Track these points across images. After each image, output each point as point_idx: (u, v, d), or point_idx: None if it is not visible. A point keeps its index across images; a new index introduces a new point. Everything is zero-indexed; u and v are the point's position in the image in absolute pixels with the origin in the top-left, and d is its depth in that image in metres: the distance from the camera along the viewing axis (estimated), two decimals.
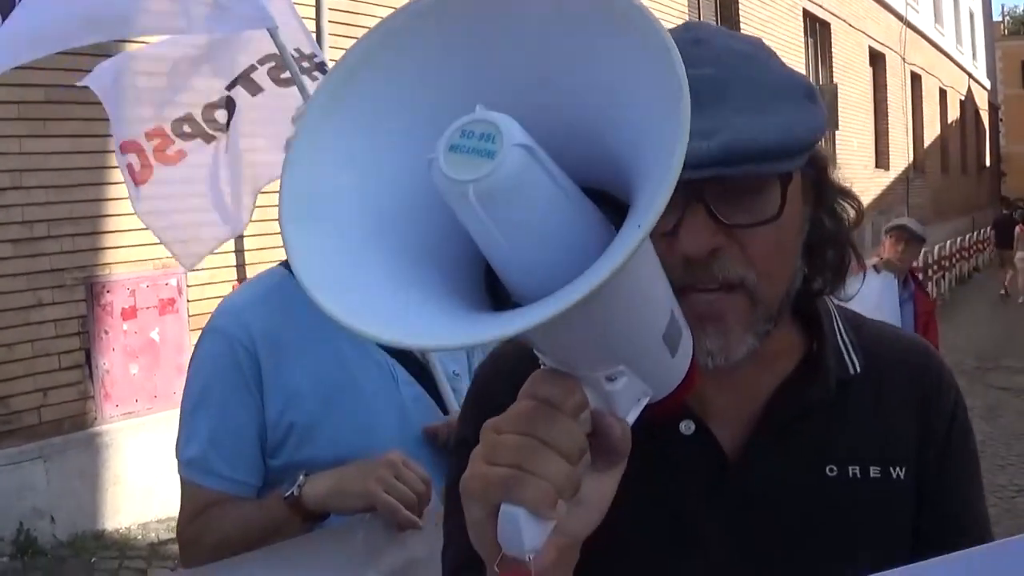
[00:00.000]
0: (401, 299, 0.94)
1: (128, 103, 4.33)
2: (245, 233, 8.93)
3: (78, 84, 4.38)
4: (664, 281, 1.13)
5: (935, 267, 22.71)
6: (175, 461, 2.52)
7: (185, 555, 2.60)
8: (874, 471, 1.44)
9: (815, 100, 1.38)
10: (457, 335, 0.93)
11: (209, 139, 4.35)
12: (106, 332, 8.23)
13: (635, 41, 0.90)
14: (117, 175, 7.73)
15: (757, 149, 1.26)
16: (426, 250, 0.99)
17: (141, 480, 7.86)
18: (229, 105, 4.36)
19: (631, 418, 1.12)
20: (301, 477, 2.32)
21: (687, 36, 1.34)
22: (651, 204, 0.85)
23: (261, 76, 4.38)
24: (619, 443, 1.09)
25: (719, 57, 1.32)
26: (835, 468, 1.44)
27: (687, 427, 1.43)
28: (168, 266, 8.60)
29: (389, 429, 2.47)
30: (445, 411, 2.60)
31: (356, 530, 2.26)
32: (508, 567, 1.02)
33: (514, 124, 0.89)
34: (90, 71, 4.22)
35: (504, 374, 1.38)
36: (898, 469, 1.45)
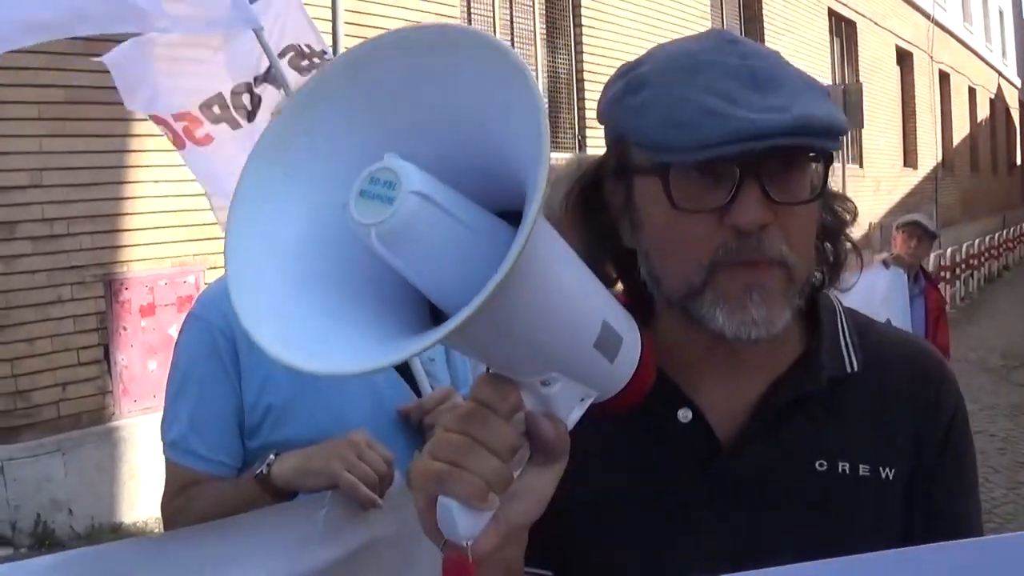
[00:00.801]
0: (335, 331, 1.04)
1: (149, 82, 4.37)
2: None
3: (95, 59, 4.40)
4: (595, 292, 1.20)
5: (963, 265, 22.53)
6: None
7: (167, 529, 2.68)
8: (864, 469, 1.48)
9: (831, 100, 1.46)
10: (363, 361, 1.01)
11: (235, 125, 4.38)
12: (124, 328, 8.31)
13: (505, 81, 1.00)
14: (136, 174, 7.87)
15: (823, 125, 1.33)
16: (366, 283, 1.09)
17: (157, 474, 7.53)
18: (253, 92, 4.40)
19: (572, 418, 1.21)
20: (271, 456, 2.41)
21: (721, 38, 1.44)
22: (522, 231, 0.94)
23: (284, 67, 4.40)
24: (553, 442, 1.18)
25: (759, 54, 1.41)
26: (825, 463, 1.47)
27: (684, 415, 1.49)
28: (186, 264, 8.71)
29: (362, 411, 2.54)
30: (419, 394, 2.68)
31: (319, 507, 2.32)
32: (450, 550, 1.13)
33: (412, 171, 0.99)
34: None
35: None
36: (888, 470, 1.48)
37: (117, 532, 7.91)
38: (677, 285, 1.40)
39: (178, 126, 4.30)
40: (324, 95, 1.09)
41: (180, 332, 2.66)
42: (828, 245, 1.53)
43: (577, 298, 1.15)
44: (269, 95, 4.29)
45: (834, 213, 1.54)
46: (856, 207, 1.60)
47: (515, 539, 1.21)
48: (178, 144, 4.34)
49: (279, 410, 2.53)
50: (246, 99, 4.36)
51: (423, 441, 2.55)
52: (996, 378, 13.95)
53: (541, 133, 0.96)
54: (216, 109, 4.33)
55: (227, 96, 4.32)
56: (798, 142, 1.33)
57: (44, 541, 7.49)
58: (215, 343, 2.54)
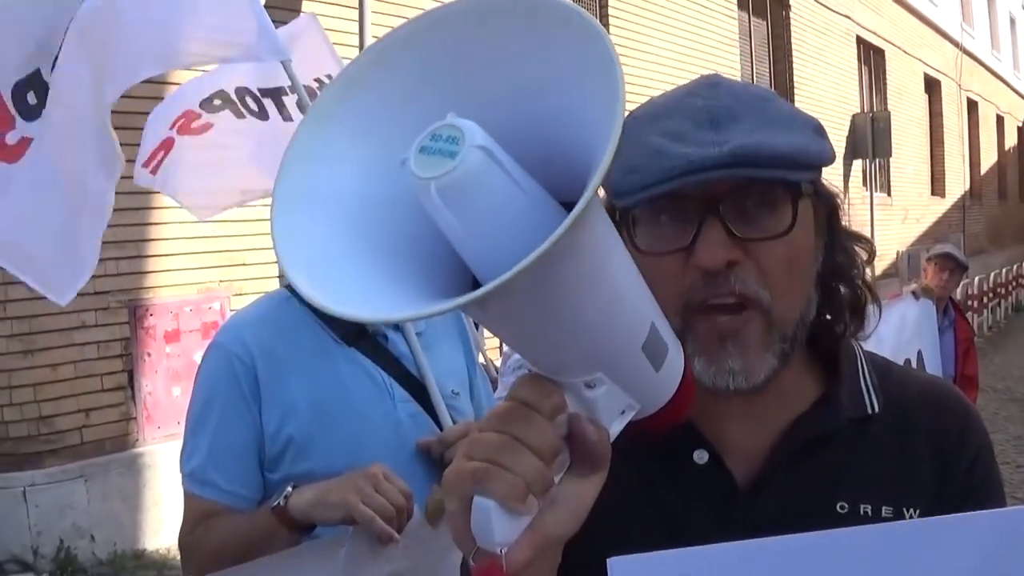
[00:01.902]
0: (369, 284, 1.00)
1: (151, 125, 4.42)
2: None
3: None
4: (645, 295, 1.16)
5: (991, 294, 22.46)
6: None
7: (184, 562, 2.68)
8: (887, 510, 1.45)
9: (823, 136, 1.45)
10: (400, 311, 1.00)
11: (240, 115, 4.40)
12: (149, 355, 8.31)
13: (587, 52, 0.97)
14: (162, 199, 7.86)
15: (765, 155, 1.32)
16: (410, 247, 1.05)
17: (181, 501, 7.71)
18: (259, 100, 4.41)
19: (614, 429, 1.15)
20: (289, 488, 2.38)
21: (705, 82, 1.46)
22: (584, 196, 0.91)
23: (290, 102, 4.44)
24: (596, 448, 1.11)
25: (735, 94, 1.41)
26: (846, 505, 1.45)
27: (700, 456, 1.47)
28: (212, 290, 8.71)
29: (383, 445, 2.52)
30: (441, 428, 2.64)
31: (340, 544, 2.30)
32: (482, 560, 1.05)
33: (477, 129, 0.96)
34: (135, 97, 4.29)
35: None
36: (913, 511, 1.45)
37: (139, 559, 7.90)
38: None
39: (172, 131, 4.37)
40: (385, 59, 1.07)
41: (202, 361, 2.64)
42: (842, 288, 1.52)
43: (628, 293, 1.12)
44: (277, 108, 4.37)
45: (847, 253, 1.52)
46: (874, 246, 1.59)
47: (549, 554, 1.14)
48: (160, 164, 4.37)
49: (300, 442, 2.51)
50: (251, 100, 4.39)
51: (442, 473, 2.50)
52: (1023, 408, 13.85)
53: (617, 102, 0.93)
54: (216, 101, 4.38)
55: (231, 91, 4.35)
56: (739, 174, 1.32)
57: (66, 567, 7.48)
58: (236, 373, 2.53)
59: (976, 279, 20.82)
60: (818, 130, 1.45)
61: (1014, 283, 25.82)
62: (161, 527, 8.09)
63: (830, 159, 1.44)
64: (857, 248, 1.55)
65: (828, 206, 1.49)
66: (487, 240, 1.00)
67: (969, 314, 16.12)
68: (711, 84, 1.44)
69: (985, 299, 21.77)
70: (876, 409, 1.51)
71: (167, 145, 4.44)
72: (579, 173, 0.99)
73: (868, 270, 1.59)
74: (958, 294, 15.34)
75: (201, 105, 4.40)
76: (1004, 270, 24.72)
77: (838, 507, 1.45)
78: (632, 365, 1.14)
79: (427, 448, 2.57)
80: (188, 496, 2.58)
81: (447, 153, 0.95)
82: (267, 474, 2.54)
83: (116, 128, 3.47)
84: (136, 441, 8.23)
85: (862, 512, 1.44)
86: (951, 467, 1.49)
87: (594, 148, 0.96)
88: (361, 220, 1.04)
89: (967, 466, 1.50)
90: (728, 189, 1.33)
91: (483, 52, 1.03)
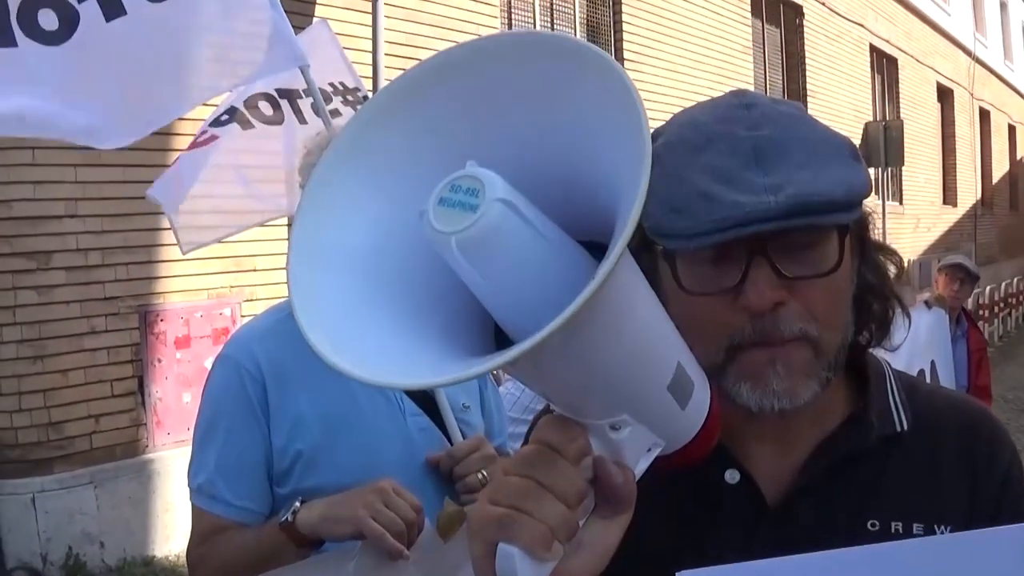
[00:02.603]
0: (392, 343, 0.98)
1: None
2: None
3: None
4: (671, 334, 1.15)
5: (1002, 304, 22.44)
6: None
7: None
8: (917, 528, 1.44)
9: (858, 159, 1.44)
10: (426, 376, 0.97)
11: (246, 125, 4.40)
12: (159, 360, 8.30)
13: (612, 100, 0.94)
14: None
15: (821, 202, 1.32)
16: (431, 300, 1.03)
17: (190, 508, 7.70)
18: (276, 101, 4.42)
19: (640, 468, 1.14)
20: (296, 503, 2.35)
21: (737, 102, 1.43)
22: (612, 251, 0.89)
23: (305, 105, 4.45)
24: (621, 491, 1.09)
25: (772, 119, 1.39)
26: (877, 523, 1.44)
27: (732, 476, 1.47)
28: (222, 296, 8.70)
29: (393, 459, 2.50)
30: (451, 442, 2.62)
31: (350, 557, 2.27)
32: None
33: (497, 180, 0.93)
34: None
35: None
36: (944, 527, 1.44)
37: (149, 566, 7.90)
38: (701, 360, 1.33)
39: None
40: (401, 103, 1.05)
41: (210, 373, 2.62)
42: (874, 304, 1.51)
43: (655, 333, 1.10)
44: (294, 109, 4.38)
45: (877, 268, 1.51)
46: (900, 257, 1.59)
47: None
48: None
49: (309, 456, 2.48)
50: (264, 105, 4.40)
51: (453, 489, 2.49)
52: None
53: (644, 157, 0.90)
54: (224, 117, 4.44)
55: (240, 105, 4.37)
56: (793, 224, 1.31)
57: (75, 574, 7.49)
58: (243, 385, 2.51)
59: (987, 289, 20.78)
60: (853, 154, 1.43)
61: None
62: (171, 534, 8.09)
63: (870, 189, 1.43)
64: (887, 259, 1.54)
65: (860, 225, 1.48)
66: (511, 292, 0.98)
67: (981, 324, 16.10)
68: (744, 105, 1.42)
69: (996, 309, 21.77)
70: (905, 427, 1.50)
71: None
72: (601, 208, 0.98)
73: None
74: (969, 304, 15.33)
75: (212, 124, 4.42)
76: (1015, 280, 24.69)
77: (869, 525, 1.44)
78: (658, 405, 1.13)
79: (437, 463, 2.54)
80: (196, 511, 2.57)
81: (467, 206, 0.93)
82: (276, 489, 2.52)
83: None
84: (146, 447, 8.22)
85: (893, 530, 1.44)
86: (982, 484, 1.49)
87: (617, 188, 0.95)
88: (378, 271, 1.02)
89: (998, 483, 1.50)
90: (775, 230, 1.32)
91: (498, 92, 1.01)
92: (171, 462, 8.16)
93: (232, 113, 4.39)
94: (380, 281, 1.02)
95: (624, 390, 1.08)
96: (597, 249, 1.03)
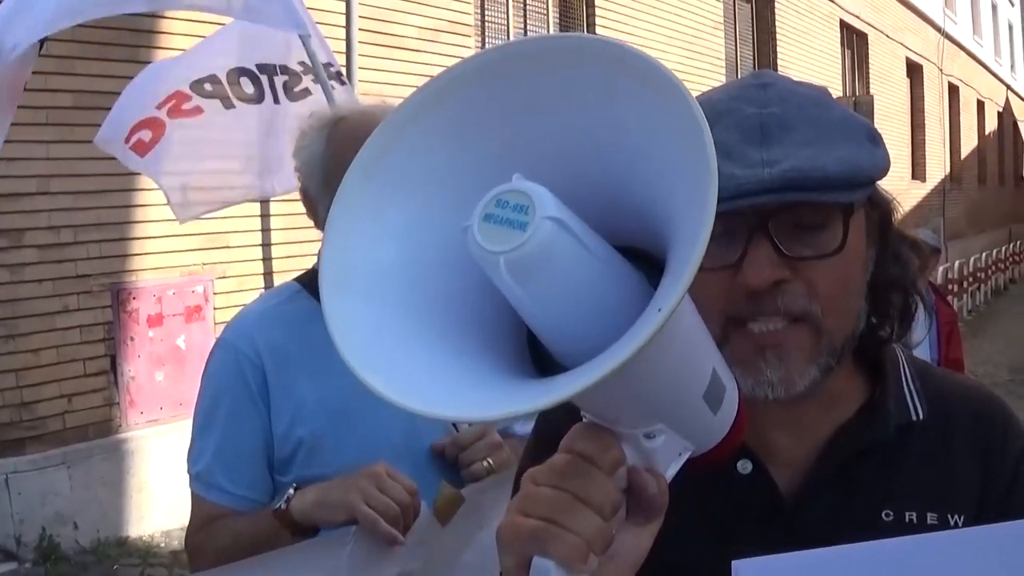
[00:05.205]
0: (441, 369, 0.96)
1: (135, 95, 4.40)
2: (272, 241, 8.99)
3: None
4: (707, 340, 1.13)
5: (971, 279, 22.60)
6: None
7: (191, 563, 2.61)
8: (932, 517, 1.43)
9: (877, 143, 1.42)
10: (490, 408, 0.93)
11: (228, 105, 4.36)
12: (132, 339, 8.21)
13: (663, 105, 0.91)
14: (144, 181, 7.79)
15: (818, 177, 1.30)
16: (467, 315, 1.01)
17: (165, 488, 7.82)
18: (256, 77, 4.38)
19: (671, 473, 1.13)
20: (291, 490, 2.31)
21: (755, 82, 1.42)
22: (676, 283, 0.87)
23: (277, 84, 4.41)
24: (655, 499, 1.09)
25: (784, 98, 1.38)
26: (891, 513, 1.43)
27: (744, 466, 1.46)
28: (195, 273, 8.63)
29: (396, 445, 2.43)
30: (457, 429, 2.55)
31: (345, 542, 2.22)
32: None
33: (547, 195, 0.90)
34: (119, 77, 4.25)
35: (570, 411, 1.37)
36: (957, 517, 1.44)
37: (123, 546, 7.84)
38: None
39: (161, 111, 4.32)
40: (439, 104, 1.00)
41: (208, 358, 2.57)
42: (895, 297, 1.48)
43: (695, 346, 1.08)
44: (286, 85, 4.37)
45: (900, 261, 1.48)
46: (926, 246, 1.53)
47: None
48: (150, 145, 4.34)
49: (311, 443, 2.43)
50: (245, 82, 4.37)
51: (458, 476, 2.44)
52: (1004, 393, 13.75)
53: (710, 176, 0.86)
54: (207, 86, 4.38)
55: (222, 76, 4.32)
56: (788, 198, 1.30)
57: (49, 555, 7.42)
58: (243, 371, 2.45)
59: (956, 263, 20.90)
60: (872, 136, 1.41)
61: (994, 267, 25.99)
62: (145, 514, 8.03)
63: (885, 170, 1.41)
64: (911, 253, 1.51)
65: (882, 213, 1.46)
66: (560, 313, 0.95)
67: (949, 298, 16.20)
68: (761, 85, 1.41)
69: (965, 283, 21.90)
70: (921, 416, 1.49)
71: (155, 125, 4.39)
72: (646, 217, 0.95)
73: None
74: (938, 278, 15.39)
75: (192, 87, 4.36)
76: (984, 254, 24.86)
77: (883, 515, 1.43)
78: (693, 413, 1.12)
79: (441, 450, 2.48)
80: (195, 498, 2.51)
81: (517, 224, 0.89)
82: (277, 477, 2.47)
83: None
84: (119, 427, 8.14)
85: (907, 520, 1.43)
86: (994, 472, 1.47)
87: (667, 200, 0.92)
88: (415, 290, 0.99)
89: (1011, 470, 1.49)
90: (778, 206, 1.31)
91: (538, 96, 0.97)
92: (144, 441, 8.10)
93: (214, 83, 4.33)
94: (415, 300, 0.99)
95: (663, 401, 1.07)
96: (634, 254, 1.01)
